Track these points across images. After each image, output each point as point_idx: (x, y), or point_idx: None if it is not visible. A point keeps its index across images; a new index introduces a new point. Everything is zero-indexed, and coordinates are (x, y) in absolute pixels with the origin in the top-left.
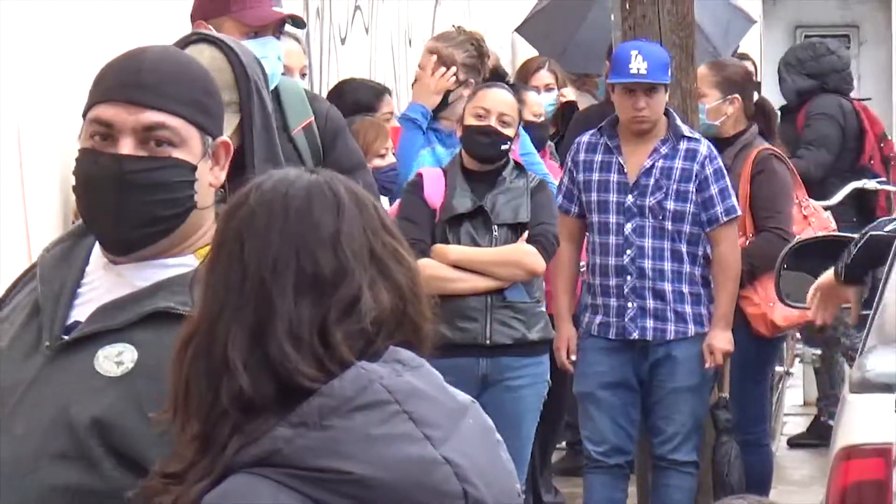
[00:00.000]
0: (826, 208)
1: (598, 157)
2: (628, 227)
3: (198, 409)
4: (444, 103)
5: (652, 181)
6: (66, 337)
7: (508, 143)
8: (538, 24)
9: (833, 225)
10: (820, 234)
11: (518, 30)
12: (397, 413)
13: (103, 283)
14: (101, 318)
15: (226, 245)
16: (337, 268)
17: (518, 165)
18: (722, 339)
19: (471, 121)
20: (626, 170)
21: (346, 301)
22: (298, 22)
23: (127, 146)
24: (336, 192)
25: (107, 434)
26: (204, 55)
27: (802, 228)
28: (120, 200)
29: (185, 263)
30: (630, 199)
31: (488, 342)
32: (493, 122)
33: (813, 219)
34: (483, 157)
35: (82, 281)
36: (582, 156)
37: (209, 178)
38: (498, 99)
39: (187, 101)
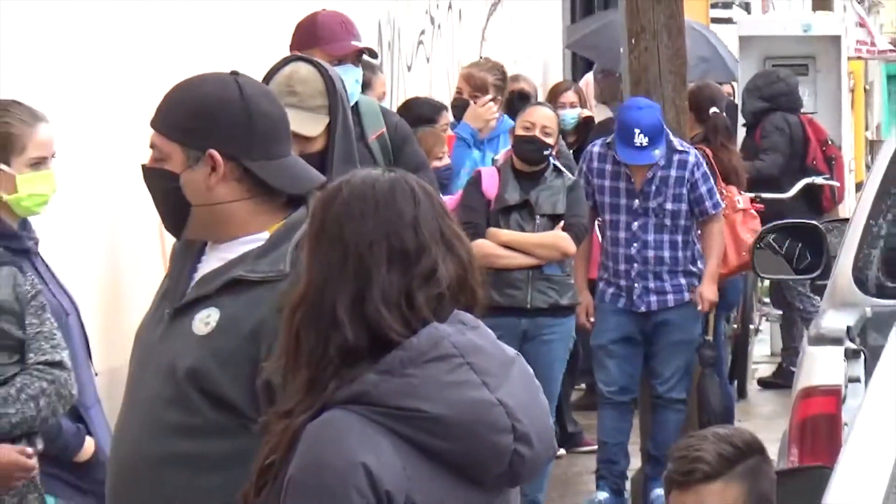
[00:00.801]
0: (783, 200)
1: (608, 167)
2: (635, 224)
3: (308, 359)
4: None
5: (653, 188)
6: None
7: (549, 149)
8: (588, 40)
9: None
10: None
11: (569, 46)
12: (461, 364)
13: (208, 260)
14: (197, 287)
15: (326, 230)
16: (418, 245)
17: (557, 168)
18: (709, 292)
19: (520, 132)
20: (633, 180)
21: (426, 272)
22: (372, 53)
23: (149, 160)
24: (411, 186)
25: (198, 381)
26: (301, 71)
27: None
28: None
29: (256, 239)
30: (637, 202)
31: (528, 306)
32: (537, 132)
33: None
34: (529, 160)
35: (201, 258)
36: (595, 164)
37: (205, 181)
38: (541, 114)
39: (170, 123)
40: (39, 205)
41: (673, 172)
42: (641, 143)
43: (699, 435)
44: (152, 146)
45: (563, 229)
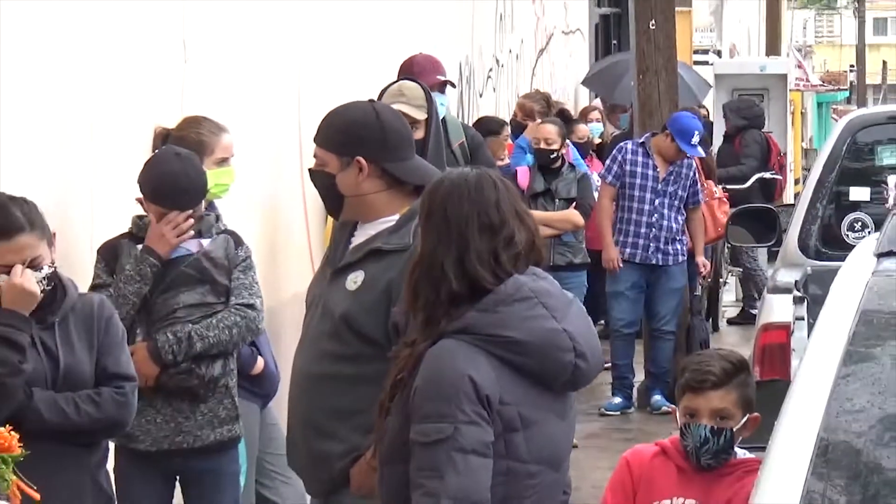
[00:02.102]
0: (742, 190)
1: (640, 159)
2: (657, 202)
3: (424, 304)
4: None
5: (672, 179)
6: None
7: (555, 152)
8: (598, 78)
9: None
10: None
11: (583, 82)
12: (536, 303)
13: (358, 235)
14: (349, 255)
15: (435, 211)
16: (500, 220)
17: (570, 165)
18: (701, 259)
19: (534, 144)
20: (658, 171)
21: (507, 238)
22: (453, 84)
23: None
24: (493, 178)
25: (348, 322)
26: (406, 83)
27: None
28: None
29: (390, 220)
30: (659, 186)
31: (551, 263)
32: (542, 144)
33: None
34: (540, 163)
35: (353, 233)
36: (629, 156)
37: (355, 179)
38: (544, 130)
39: (327, 139)
40: (223, 192)
41: (684, 171)
42: (695, 142)
43: (706, 354)
44: (315, 156)
45: (575, 208)
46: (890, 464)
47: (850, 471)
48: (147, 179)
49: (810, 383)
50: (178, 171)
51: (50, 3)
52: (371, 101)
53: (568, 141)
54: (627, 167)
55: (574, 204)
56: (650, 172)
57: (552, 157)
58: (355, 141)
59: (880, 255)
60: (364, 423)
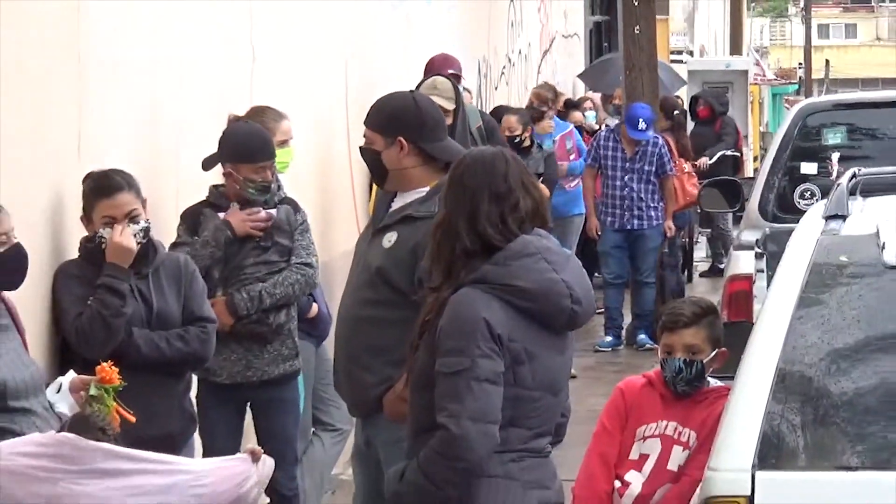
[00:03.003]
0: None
1: (611, 144)
2: (626, 178)
3: (445, 258)
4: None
5: (638, 157)
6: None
7: (517, 138)
8: (590, 73)
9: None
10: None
11: (579, 76)
12: (541, 259)
13: (397, 201)
14: (387, 219)
15: (455, 180)
16: (508, 189)
17: (538, 146)
18: (670, 222)
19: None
20: (626, 152)
21: (513, 204)
22: (459, 78)
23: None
24: (504, 154)
25: (382, 274)
26: (439, 79)
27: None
28: None
29: (422, 191)
30: (628, 165)
31: None
32: (506, 132)
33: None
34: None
35: (393, 200)
36: (602, 142)
37: (397, 155)
38: (508, 120)
39: (375, 122)
40: (284, 168)
41: (650, 149)
42: (642, 128)
43: (680, 301)
44: (365, 136)
45: (542, 182)
46: (836, 389)
47: (803, 395)
48: (226, 144)
49: (771, 324)
50: (251, 130)
51: (145, 8)
52: (411, 91)
53: (571, 125)
54: (602, 151)
55: (541, 178)
56: (619, 154)
57: (515, 142)
58: (398, 124)
59: (828, 218)
60: (394, 358)
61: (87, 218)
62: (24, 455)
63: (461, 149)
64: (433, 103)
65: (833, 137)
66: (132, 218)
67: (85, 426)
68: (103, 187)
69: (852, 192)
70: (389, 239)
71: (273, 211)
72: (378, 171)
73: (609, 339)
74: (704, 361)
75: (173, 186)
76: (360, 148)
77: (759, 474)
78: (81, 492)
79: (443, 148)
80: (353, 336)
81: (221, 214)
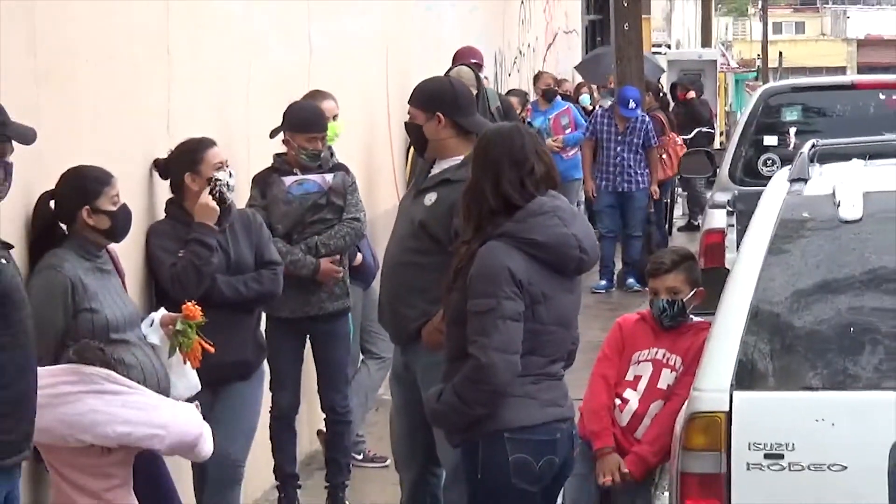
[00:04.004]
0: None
1: (605, 121)
2: (619, 148)
3: (475, 216)
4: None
5: (628, 131)
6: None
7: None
8: (586, 65)
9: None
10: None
11: (576, 67)
12: (554, 216)
13: (436, 167)
14: (427, 182)
15: (480, 152)
16: (525, 156)
17: (528, 123)
18: (655, 187)
19: None
20: (619, 127)
21: (529, 169)
22: (480, 67)
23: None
24: (520, 128)
25: (423, 227)
26: (463, 69)
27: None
28: None
29: (457, 159)
30: (620, 138)
31: None
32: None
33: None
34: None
35: (433, 166)
36: (598, 119)
37: (435, 128)
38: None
39: (417, 100)
40: (332, 140)
41: (638, 125)
42: (632, 107)
43: (661, 251)
44: (409, 112)
45: None
46: (799, 323)
47: (772, 328)
48: (287, 116)
49: (745, 269)
50: (307, 106)
51: (221, 7)
52: (447, 75)
53: (569, 104)
54: (598, 127)
55: None
56: (612, 129)
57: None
58: (436, 101)
59: (792, 181)
60: (431, 297)
61: (192, 174)
62: (42, 388)
63: (489, 122)
64: (465, 85)
65: (790, 115)
66: (224, 167)
67: (86, 354)
68: (205, 142)
69: (812, 160)
70: (430, 198)
71: (329, 176)
72: (419, 142)
73: (603, 282)
74: (685, 300)
75: (244, 156)
76: (406, 123)
77: (736, 394)
78: (93, 405)
79: (474, 122)
80: (397, 278)
81: (288, 179)
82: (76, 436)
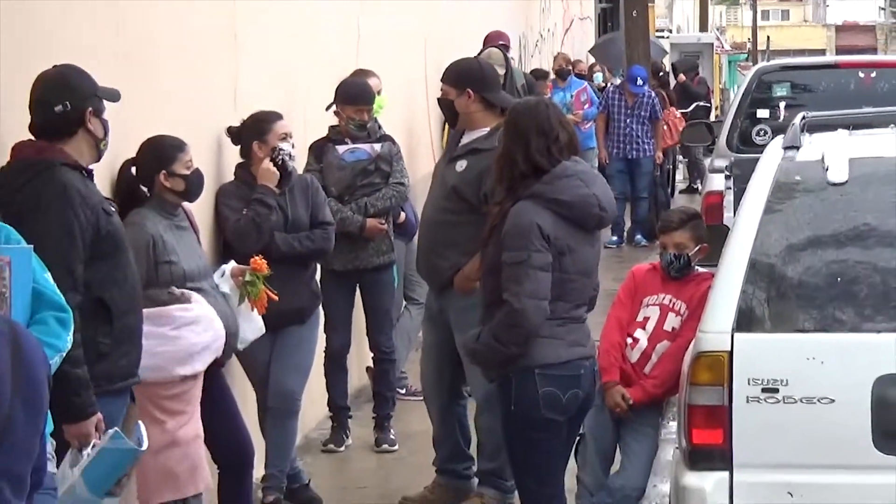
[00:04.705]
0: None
1: (616, 96)
2: (628, 120)
3: (507, 180)
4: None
5: (636, 105)
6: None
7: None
8: (598, 48)
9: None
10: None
11: (589, 50)
12: (576, 178)
13: (465, 137)
14: (459, 150)
15: (511, 123)
16: (550, 126)
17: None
18: (660, 154)
19: None
20: (628, 102)
21: (554, 137)
22: (508, 47)
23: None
24: (546, 101)
25: (456, 190)
26: (493, 51)
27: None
28: None
29: (484, 130)
30: (629, 111)
31: None
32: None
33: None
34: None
35: (462, 137)
36: (610, 94)
37: (465, 102)
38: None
39: (450, 78)
40: (378, 112)
41: (645, 99)
42: (640, 84)
43: (672, 210)
44: (441, 90)
45: None
46: (792, 273)
47: (769, 278)
48: (338, 90)
49: (745, 225)
50: (356, 81)
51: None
52: (477, 56)
53: (585, 82)
54: (610, 102)
55: None
56: (622, 104)
57: None
58: (466, 79)
59: (786, 148)
60: (461, 249)
61: (259, 143)
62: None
63: (512, 98)
64: (491, 65)
65: (780, 91)
66: (287, 139)
67: (161, 298)
68: (274, 115)
69: (803, 130)
70: (461, 165)
71: (377, 145)
72: (451, 115)
73: (614, 238)
74: (689, 255)
75: (302, 127)
76: (438, 99)
77: (737, 335)
78: (186, 339)
79: (498, 97)
80: (432, 234)
81: (341, 147)
82: (178, 370)
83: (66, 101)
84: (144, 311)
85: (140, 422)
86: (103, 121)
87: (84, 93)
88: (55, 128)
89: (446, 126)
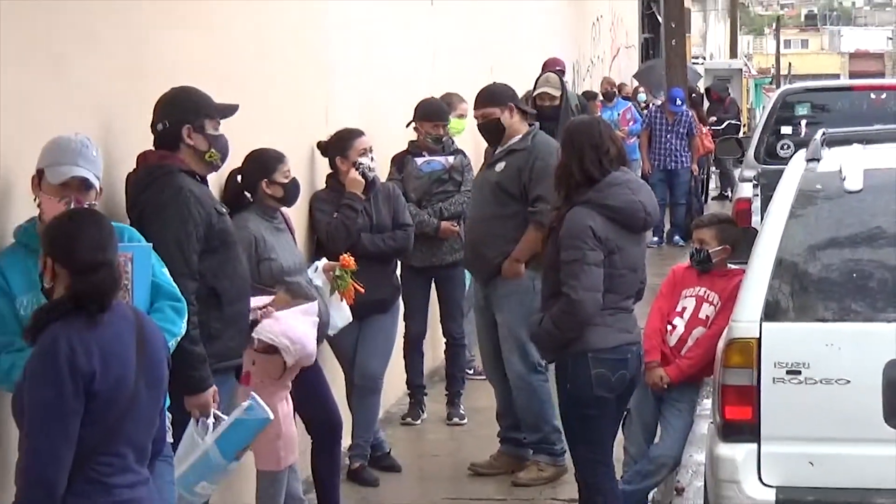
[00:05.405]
0: (721, 128)
1: (658, 114)
2: (668, 136)
3: (564, 188)
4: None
5: (675, 122)
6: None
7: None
8: (641, 73)
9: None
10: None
11: (634, 75)
12: (625, 187)
13: (500, 147)
14: (498, 154)
15: (567, 138)
16: (602, 141)
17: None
18: (695, 166)
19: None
20: (668, 120)
21: (605, 150)
22: (564, 72)
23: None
24: (598, 120)
25: (500, 186)
26: (550, 76)
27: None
28: None
29: (519, 136)
30: (670, 127)
31: None
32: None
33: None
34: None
35: (499, 146)
36: (653, 113)
37: (509, 115)
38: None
39: (489, 100)
40: (458, 133)
41: (683, 118)
42: (679, 104)
43: (706, 214)
44: (482, 114)
45: None
46: (813, 270)
47: (793, 274)
48: (417, 108)
49: (772, 228)
50: (433, 100)
51: (368, 29)
52: (537, 80)
53: (629, 103)
54: (652, 119)
55: None
56: (663, 121)
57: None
58: (505, 97)
59: (808, 160)
60: (507, 238)
61: (341, 158)
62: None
63: (528, 108)
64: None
65: (802, 110)
66: (365, 154)
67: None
68: (355, 133)
69: (823, 144)
70: (500, 166)
71: (450, 157)
72: (496, 135)
73: (655, 239)
74: (710, 251)
75: (384, 141)
76: (479, 125)
77: (765, 324)
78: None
79: (523, 103)
80: (480, 229)
81: (419, 159)
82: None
83: (165, 120)
84: (301, 305)
85: (254, 393)
86: (208, 135)
87: (183, 112)
88: (161, 142)
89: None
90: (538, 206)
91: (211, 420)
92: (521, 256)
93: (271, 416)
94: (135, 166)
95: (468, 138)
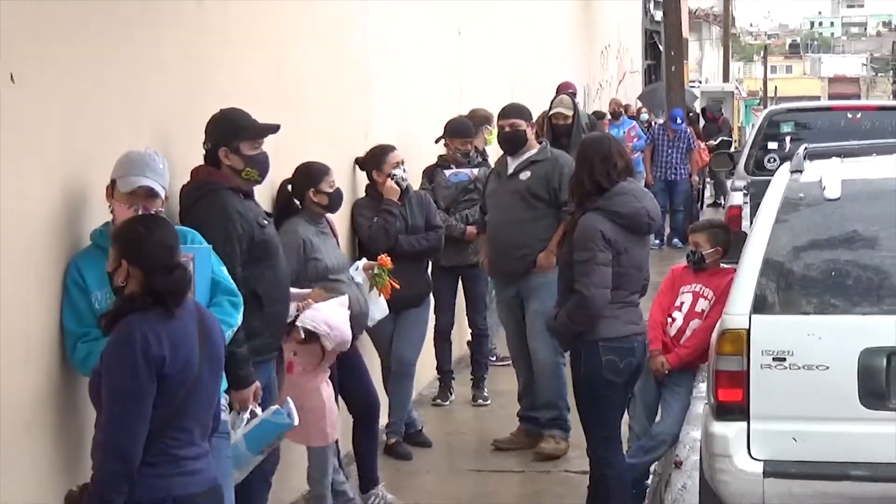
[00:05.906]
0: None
1: (661, 132)
2: (670, 151)
3: (577, 196)
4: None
5: (676, 139)
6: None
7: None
8: (644, 95)
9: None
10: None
11: (638, 97)
12: (631, 195)
13: (515, 157)
14: (520, 165)
15: (581, 153)
16: (610, 155)
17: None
18: (695, 177)
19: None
20: (669, 136)
21: (613, 163)
22: (575, 94)
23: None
24: (607, 136)
25: (527, 190)
26: (563, 97)
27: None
28: None
29: (534, 150)
30: (672, 143)
31: None
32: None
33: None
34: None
35: (509, 161)
36: (656, 131)
37: (531, 129)
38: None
39: (516, 115)
40: (489, 143)
41: (682, 135)
42: (679, 122)
43: (703, 219)
44: (511, 124)
45: None
46: (797, 268)
47: (778, 272)
48: (446, 126)
49: (760, 231)
50: (461, 119)
51: (401, 62)
52: (552, 100)
53: (634, 122)
54: (655, 136)
55: None
56: (665, 137)
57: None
58: (528, 114)
59: (792, 172)
60: (539, 238)
61: (377, 171)
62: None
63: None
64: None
65: (786, 128)
66: (398, 166)
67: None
68: (387, 148)
69: (805, 158)
70: (525, 175)
71: (476, 170)
72: (517, 144)
73: (656, 241)
74: (704, 253)
75: (417, 155)
76: (508, 133)
77: (754, 316)
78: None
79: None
80: (511, 232)
81: (447, 171)
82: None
83: (208, 142)
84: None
85: (289, 399)
86: (244, 156)
87: (220, 135)
88: (207, 160)
89: None
90: (569, 206)
91: (246, 415)
92: (556, 249)
93: (295, 423)
94: (189, 179)
95: (490, 150)
